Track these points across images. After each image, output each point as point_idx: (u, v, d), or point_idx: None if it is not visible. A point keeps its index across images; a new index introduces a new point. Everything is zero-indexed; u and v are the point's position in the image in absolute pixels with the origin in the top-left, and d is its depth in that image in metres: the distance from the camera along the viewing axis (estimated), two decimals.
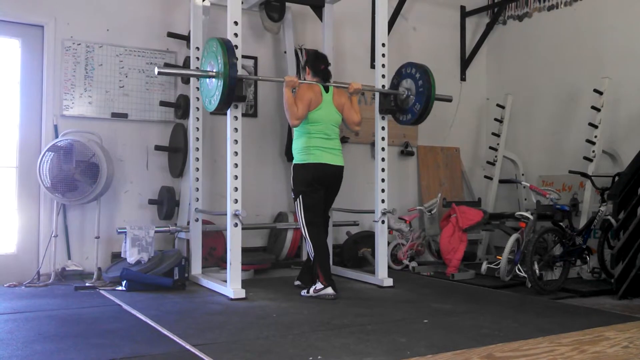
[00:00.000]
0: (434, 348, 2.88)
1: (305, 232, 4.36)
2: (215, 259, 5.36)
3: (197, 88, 5.08)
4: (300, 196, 4.38)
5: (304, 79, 4.59)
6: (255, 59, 5.89)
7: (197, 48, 5.11)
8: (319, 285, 4.17)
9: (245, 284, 4.29)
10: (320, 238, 4.36)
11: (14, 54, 5.03)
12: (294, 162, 4.47)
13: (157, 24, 5.48)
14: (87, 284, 4.67)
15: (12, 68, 5.02)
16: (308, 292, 4.23)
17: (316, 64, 4.55)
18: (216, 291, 4.40)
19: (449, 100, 5.15)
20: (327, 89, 4.50)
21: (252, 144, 5.66)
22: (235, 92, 4.03)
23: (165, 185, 5.37)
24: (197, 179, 5.07)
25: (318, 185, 4.40)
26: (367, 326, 3.40)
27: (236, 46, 4.19)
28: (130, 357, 2.77)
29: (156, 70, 4.05)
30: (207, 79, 4.20)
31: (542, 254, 4.74)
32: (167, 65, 5.42)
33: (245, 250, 4.46)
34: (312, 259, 4.34)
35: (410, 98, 4.80)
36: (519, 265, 4.79)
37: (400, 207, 6.16)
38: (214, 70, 4.08)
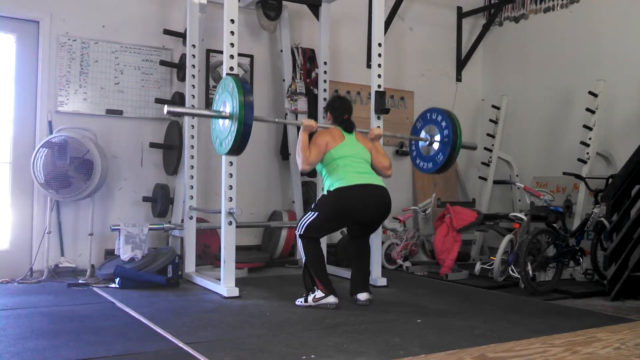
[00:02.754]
0: (427, 348, 2.89)
1: (300, 240, 3.95)
2: (209, 257, 5.35)
3: (193, 86, 5.08)
4: (317, 214, 3.90)
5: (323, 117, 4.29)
6: (251, 57, 5.88)
7: (193, 45, 5.10)
8: (318, 294, 3.84)
9: (239, 282, 4.29)
10: (315, 251, 3.93)
11: (9, 50, 5.01)
12: (326, 189, 4.00)
13: (153, 21, 5.47)
14: (80, 281, 4.66)
15: (6, 63, 5.00)
16: (306, 300, 3.88)
17: (339, 113, 4.20)
18: (210, 289, 4.39)
19: (474, 148, 5.02)
20: (348, 131, 4.14)
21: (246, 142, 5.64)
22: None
23: (160, 183, 5.36)
24: (192, 177, 5.06)
25: (348, 217, 3.91)
26: (361, 325, 3.40)
27: (232, 44, 4.19)
28: (122, 355, 2.76)
29: (165, 109, 3.79)
30: (220, 120, 3.91)
31: (536, 255, 4.76)
32: (162, 62, 5.41)
33: (239, 249, 4.45)
34: (303, 264, 3.98)
35: (433, 146, 4.57)
36: (512, 266, 4.81)
37: (395, 206, 6.13)
38: (228, 111, 3.79)
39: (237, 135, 3.69)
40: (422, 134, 4.67)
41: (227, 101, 3.81)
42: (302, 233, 3.93)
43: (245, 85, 3.75)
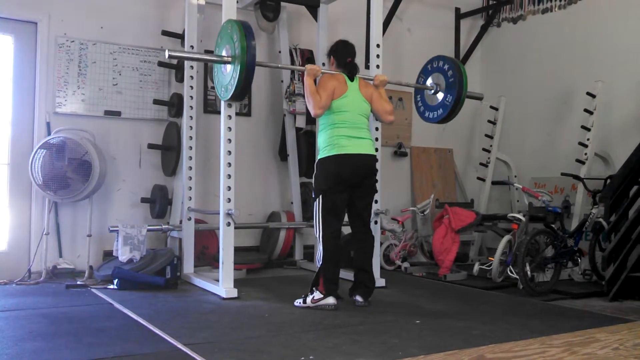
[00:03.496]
0: (426, 349, 2.88)
1: (319, 237, 3.91)
2: (207, 258, 5.35)
3: (191, 87, 5.07)
4: (320, 196, 3.92)
5: (327, 68, 4.26)
6: None
7: (192, 46, 5.10)
8: (317, 295, 3.83)
9: (237, 283, 4.28)
10: (335, 250, 3.89)
11: (7, 51, 5.00)
12: (318, 157, 4.05)
13: (151, 22, 5.47)
14: (78, 282, 4.65)
15: (4, 65, 4.99)
16: (304, 302, 3.87)
17: (342, 55, 4.13)
18: (208, 290, 4.39)
19: (480, 98, 5.00)
20: (352, 78, 4.09)
21: (245, 143, 5.64)
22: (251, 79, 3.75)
23: (158, 184, 5.36)
24: (190, 178, 5.05)
25: (343, 184, 3.91)
26: (359, 327, 3.40)
27: None
28: (121, 356, 2.76)
29: (167, 53, 3.81)
30: (222, 66, 3.92)
31: (534, 255, 4.76)
32: (161, 64, 5.41)
33: (237, 250, 4.45)
34: (318, 264, 3.93)
35: (439, 93, 4.55)
36: (510, 266, 4.81)
37: (393, 207, 6.16)
38: (230, 55, 3.81)
39: (240, 77, 3.70)
40: (428, 83, 4.66)
41: (228, 45, 3.80)
42: (322, 228, 3.90)
43: (246, 28, 3.74)
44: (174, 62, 5.46)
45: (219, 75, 4.02)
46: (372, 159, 4.03)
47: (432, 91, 4.63)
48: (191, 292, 4.41)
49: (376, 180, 4.15)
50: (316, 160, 4.09)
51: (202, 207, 5.29)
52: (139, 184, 5.38)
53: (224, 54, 3.92)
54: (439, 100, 4.57)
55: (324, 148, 3.99)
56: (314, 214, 3.99)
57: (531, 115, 6.62)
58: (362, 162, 3.96)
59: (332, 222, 3.94)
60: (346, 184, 3.94)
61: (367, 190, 4.08)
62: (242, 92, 3.83)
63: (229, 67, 3.86)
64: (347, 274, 4.86)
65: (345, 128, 3.97)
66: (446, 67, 4.54)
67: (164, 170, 5.44)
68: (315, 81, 4.04)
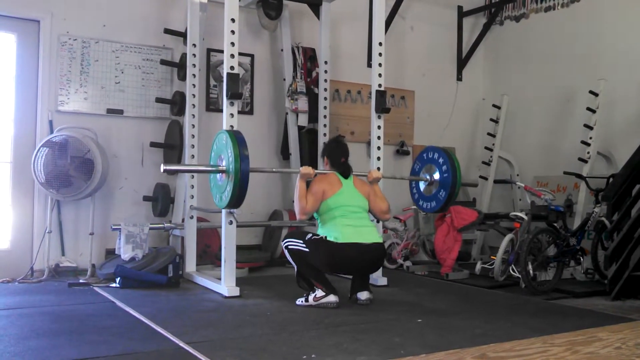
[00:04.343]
0: (428, 347, 2.88)
1: (286, 251, 3.98)
2: (209, 257, 5.35)
3: (194, 85, 5.08)
4: (307, 251, 3.87)
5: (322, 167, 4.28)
6: (252, 56, 5.88)
7: (194, 45, 5.10)
8: (319, 293, 3.83)
9: (239, 281, 4.29)
10: (303, 260, 3.92)
11: (10, 49, 5.01)
12: (322, 235, 3.93)
13: (153, 20, 5.47)
14: (80, 281, 4.66)
15: (7, 63, 4.99)
16: (306, 300, 3.88)
17: (336, 156, 4.19)
18: (210, 289, 4.39)
19: (475, 185, 5.07)
20: (345, 176, 4.12)
21: (248, 142, 5.60)
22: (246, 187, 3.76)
23: (160, 182, 5.36)
24: (193, 176, 5.06)
25: (339, 268, 3.96)
26: (361, 325, 3.40)
27: (233, 43, 4.19)
28: (123, 354, 2.76)
29: (162, 167, 3.89)
30: (218, 175, 3.94)
31: (536, 254, 4.75)
32: (163, 62, 5.41)
33: (239, 248, 4.45)
34: (295, 271, 4.01)
35: (433, 185, 4.59)
36: (513, 265, 4.81)
37: (395, 206, 6.16)
38: (224, 166, 3.82)
39: (235, 188, 3.72)
40: (422, 175, 4.69)
41: (222, 154, 3.84)
42: (288, 247, 3.94)
43: (239, 137, 3.78)
44: (177, 60, 5.46)
45: (215, 184, 4.03)
46: (381, 247, 3.99)
47: (427, 183, 4.65)
48: (193, 291, 4.42)
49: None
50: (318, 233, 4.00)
51: (204, 205, 5.29)
52: (141, 182, 5.38)
53: (217, 162, 3.91)
54: (433, 193, 4.61)
55: (326, 233, 3.92)
56: (293, 237, 3.97)
57: (534, 114, 6.61)
58: (370, 252, 3.90)
59: (302, 263, 3.94)
60: (343, 268, 3.96)
61: (371, 271, 4.16)
62: (238, 200, 3.81)
63: (224, 176, 3.86)
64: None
65: (347, 219, 3.94)
66: (440, 160, 4.54)
67: None
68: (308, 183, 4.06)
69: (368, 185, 4.25)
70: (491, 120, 6.69)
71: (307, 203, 3.95)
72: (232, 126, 4.14)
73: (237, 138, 3.78)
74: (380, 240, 4.03)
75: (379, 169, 4.62)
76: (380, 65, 4.76)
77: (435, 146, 4.70)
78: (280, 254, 5.68)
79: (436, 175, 4.57)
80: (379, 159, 4.77)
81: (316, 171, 4.15)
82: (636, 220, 4.65)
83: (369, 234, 3.95)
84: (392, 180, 6.29)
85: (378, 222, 4.49)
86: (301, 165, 5.75)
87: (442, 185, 4.51)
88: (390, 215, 4.25)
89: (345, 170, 4.15)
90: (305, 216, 4.00)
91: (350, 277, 4.15)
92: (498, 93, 6.80)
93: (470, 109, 7.23)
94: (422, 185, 4.73)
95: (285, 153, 5.92)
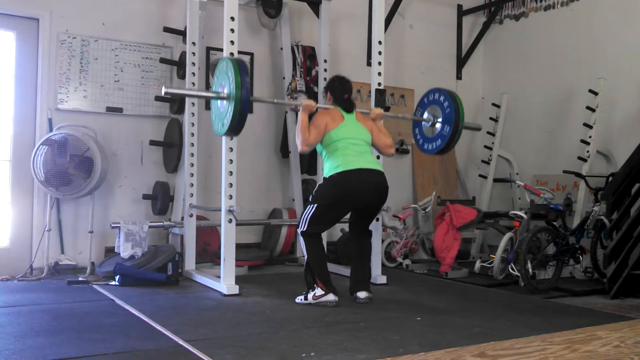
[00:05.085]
0: (427, 346, 2.88)
1: (302, 238, 3.95)
2: (209, 255, 5.36)
3: (193, 84, 5.08)
4: (316, 205, 3.91)
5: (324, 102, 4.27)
6: (251, 55, 5.88)
7: (193, 43, 5.10)
8: (318, 292, 3.83)
9: (239, 280, 4.29)
10: (316, 249, 3.93)
11: (9, 47, 5.00)
12: (324, 176, 3.99)
13: (153, 18, 5.46)
14: (80, 279, 4.66)
15: (6, 61, 4.99)
16: (306, 298, 3.88)
17: (339, 92, 4.16)
18: (210, 287, 4.40)
19: (478, 129, 5.03)
20: (348, 111, 4.11)
21: (247, 140, 5.64)
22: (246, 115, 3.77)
23: (160, 181, 5.36)
24: (192, 175, 5.06)
25: (346, 205, 3.92)
26: (360, 323, 3.40)
27: (232, 41, 4.19)
28: (122, 352, 2.76)
29: (163, 90, 3.79)
30: (219, 101, 3.95)
31: (536, 253, 4.76)
32: (162, 60, 5.41)
33: (239, 246, 4.45)
34: (305, 262, 4.00)
35: (437, 125, 4.57)
36: (512, 264, 4.81)
37: (395, 205, 6.17)
38: (225, 92, 3.81)
39: (235, 114, 3.71)
40: (425, 116, 4.66)
41: (224, 82, 3.83)
42: (304, 230, 3.92)
43: (241, 66, 3.75)
44: (176, 58, 5.46)
45: (216, 111, 4.01)
46: (382, 175, 3.98)
47: (430, 123, 4.63)
48: (192, 289, 4.42)
49: (385, 200, 4.07)
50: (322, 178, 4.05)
51: (203, 203, 5.29)
52: (140, 181, 5.38)
53: (220, 90, 3.90)
54: (437, 132, 4.58)
55: (329, 170, 3.95)
56: (305, 213, 3.97)
57: (533, 113, 6.61)
58: (372, 179, 3.92)
59: (320, 229, 3.98)
60: (349, 204, 3.93)
61: (375, 209, 4.10)
62: (238, 127, 3.81)
63: (225, 103, 3.85)
64: (347, 271, 4.87)
65: (349, 150, 3.95)
66: (442, 99, 4.54)
67: (166, 167, 5.45)
68: (311, 116, 4.05)
69: (371, 121, 4.22)
70: (491, 119, 6.69)
71: (310, 135, 3.94)
72: (232, 53, 4.12)
73: (238, 65, 3.75)
74: (382, 170, 4.02)
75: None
76: (379, 63, 4.76)
77: (439, 87, 4.67)
78: (280, 252, 5.70)
79: (439, 115, 4.54)
80: (378, 157, 4.77)
81: (318, 105, 4.14)
82: (635, 219, 4.65)
83: (372, 162, 3.98)
84: (391, 178, 6.30)
85: (378, 158, 4.48)
86: (301, 166, 5.81)
87: (446, 121, 4.47)
88: (394, 151, 4.23)
89: (348, 107, 4.12)
90: (308, 148, 3.97)
91: (350, 276, 4.15)
92: (497, 92, 6.80)
93: (470, 108, 7.20)
94: (425, 129, 4.69)
95: (284, 151, 5.91)
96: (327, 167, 4.00)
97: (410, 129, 6.74)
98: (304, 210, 4.00)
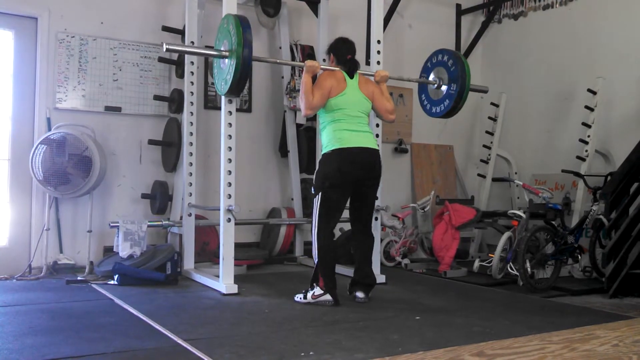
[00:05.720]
0: (426, 345, 2.89)
1: (314, 235, 3.90)
2: (208, 254, 5.35)
3: (192, 83, 5.07)
4: (320, 193, 3.88)
5: (327, 65, 4.21)
6: None
7: (192, 42, 5.09)
8: (318, 291, 3.84)
9: (237, 279, 4.29)
10: (329, 247, 3.92)
11: (7, 46, 4.99)
12: (322, 153, 4.00)
13: (151, 17, 5.46)
14: (78, 278, 4.66)
15: (5, 60, 4.98)
16: (305, 297, 3.88)
17: (342, 53, 4.09)
18: (209, 286, 4.39)
19: (485, 91, 4.99)
20: (351, 75, 4.04)
21: (246, 139, 5.64)
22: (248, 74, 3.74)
23: (159, 180, 5.36)
24: (191, 174, 5.05)
25: (344, 180, 3.86)
26: (359, 322, 3.40)
27: None
28: (121, 351, 2.76)
29: (164, 46, 3.77)
30: (221, 60, 3.92)
31: (534, 252, 4.76)
32: (161, 59, 5.40)
33: (238, 246, 4.45)
34: (315, 261, 3.95)
35: (443, 86, 4.53)
36: (511, 263, 4.81)
37: (394, 204, 6.17)
38: (227, 49, 3.81)
39: (236, 72, 3.70)
40: (431, 78, 4.63)
41: (226, 40, 3.81)
42: (317, 226, 3.87)
43: (243, 22, 3.72)
44: (175, 57, 5.45)
45: (218, 70, 4.03)
46: (376, 153, 3.99)
47: (435, 85, 4.60)
48: (191, 288, 4.42)
49: (379, 175, 4.07)
50: (319, 158, 4.08)
51: (202, 203, 5.29)
52: (139, 180, 5.37)
53: (222, 48, 3.92)
54: (444, 93, 4.54)
55: (326, 145, 3.96)
56: (313, 211, 3.96)
57: (532, 112, 6.61)
58: (366, 157, 3.91)
59: (330, 220, 3.93)
60: (347, 179, 3.88)
61: (371, 188, 4.03)
62: (239, 85, 3.82)
63: (227, 61, 3.86)
64: (347, 270, 4.88)
65: (346, 123, 3.93)
66: (447, 59, 4.52)
67: (165, 166, 5.44)
68: (314, 78, 4.02)
69: (374, 84, 4.16)
70: (489, 118, 6.70)
71: (314, 97, 3.89)
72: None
73: (241, 22, 3.72)
74: (377, 148, 4.03)
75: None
76: (378, 63, 4.75)
77: (445, 49, 4.64)
78: (279, 251, 5.70)
79: (444, 76, 4.51)
80: (377, 136, 4.72)
81: (322, 66, 4.09)
82: (634, 218, 4.65)
83: (366, 139, 3.94)
84: (390, 177, 6.31)
85: (378, 126, 4.44)
86: (300, 166, 5.81)
87: (453, 79, 4.43)
88: (395, 117, 4.19)
89: (351, 67, 4.05)
90: (312, 111, 3.95)
91: (351, 274, 4.15)
92: (496, 91, 6.79)
93: (469, 107, 7.19)
94: (431, 92, 4.67)
95: (283, 150, 5.91)
96: (324, 139, 3.99)
97: (410, 129, 6.83)
98: (313, 207, 3.96)
